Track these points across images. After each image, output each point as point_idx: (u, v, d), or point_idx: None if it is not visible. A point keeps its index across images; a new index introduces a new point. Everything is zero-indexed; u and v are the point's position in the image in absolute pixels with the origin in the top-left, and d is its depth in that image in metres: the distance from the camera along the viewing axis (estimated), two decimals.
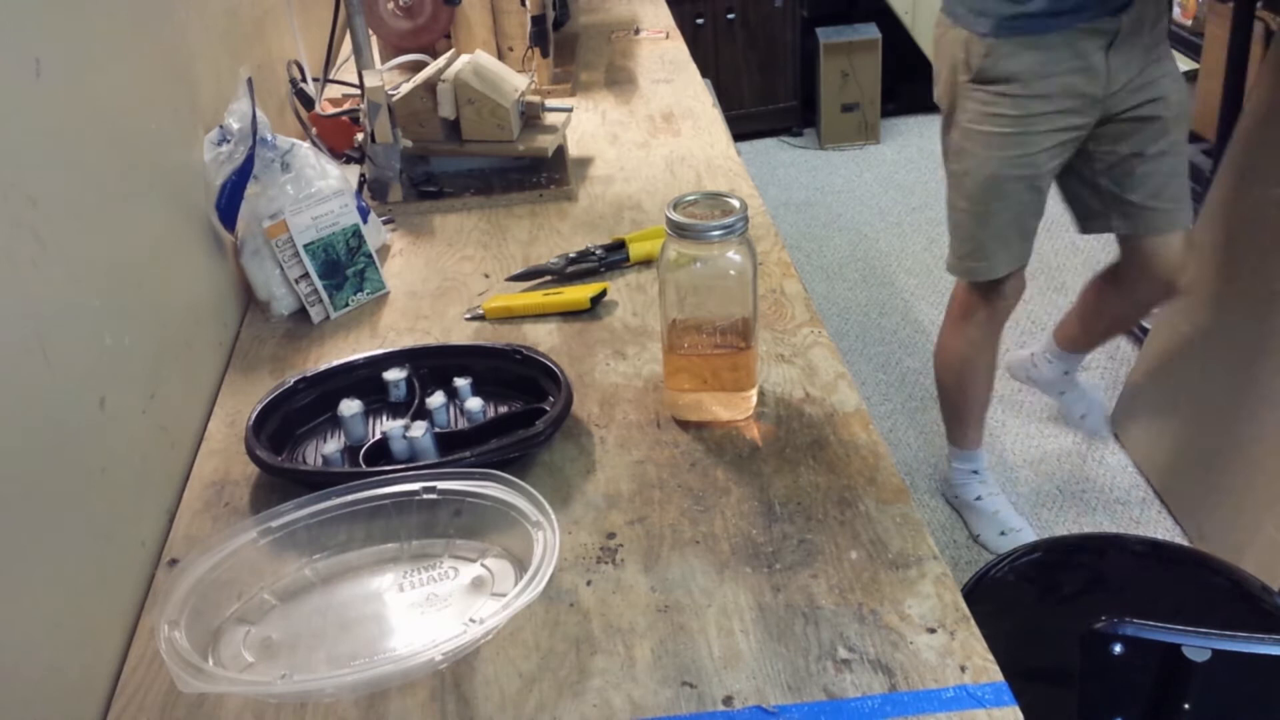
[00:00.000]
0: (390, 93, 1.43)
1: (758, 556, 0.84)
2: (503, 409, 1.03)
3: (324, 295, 1.22)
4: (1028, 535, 2.09)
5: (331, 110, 1.65)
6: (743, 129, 3.78)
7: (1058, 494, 2.25)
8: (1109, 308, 2.03)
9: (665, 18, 2.35)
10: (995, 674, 0.73)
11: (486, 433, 0.97)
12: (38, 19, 0.83)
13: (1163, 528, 2.15)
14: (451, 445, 0.96)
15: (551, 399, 1.00)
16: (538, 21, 1.74)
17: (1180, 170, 1.75)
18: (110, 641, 0.81)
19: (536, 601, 0.75)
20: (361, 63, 1.45)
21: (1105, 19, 1.57)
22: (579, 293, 1.20)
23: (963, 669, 0.74)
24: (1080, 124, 1.68)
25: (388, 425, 0.98)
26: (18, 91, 0.79)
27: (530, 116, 1.56)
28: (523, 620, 0.80)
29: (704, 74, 2.03)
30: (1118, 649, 0.91)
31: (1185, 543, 2.08)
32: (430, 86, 1.45)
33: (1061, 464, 2.33)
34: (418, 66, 1.69)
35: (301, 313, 1.23)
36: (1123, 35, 1.58)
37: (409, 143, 1.48)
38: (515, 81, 1.52)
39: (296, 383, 1.04)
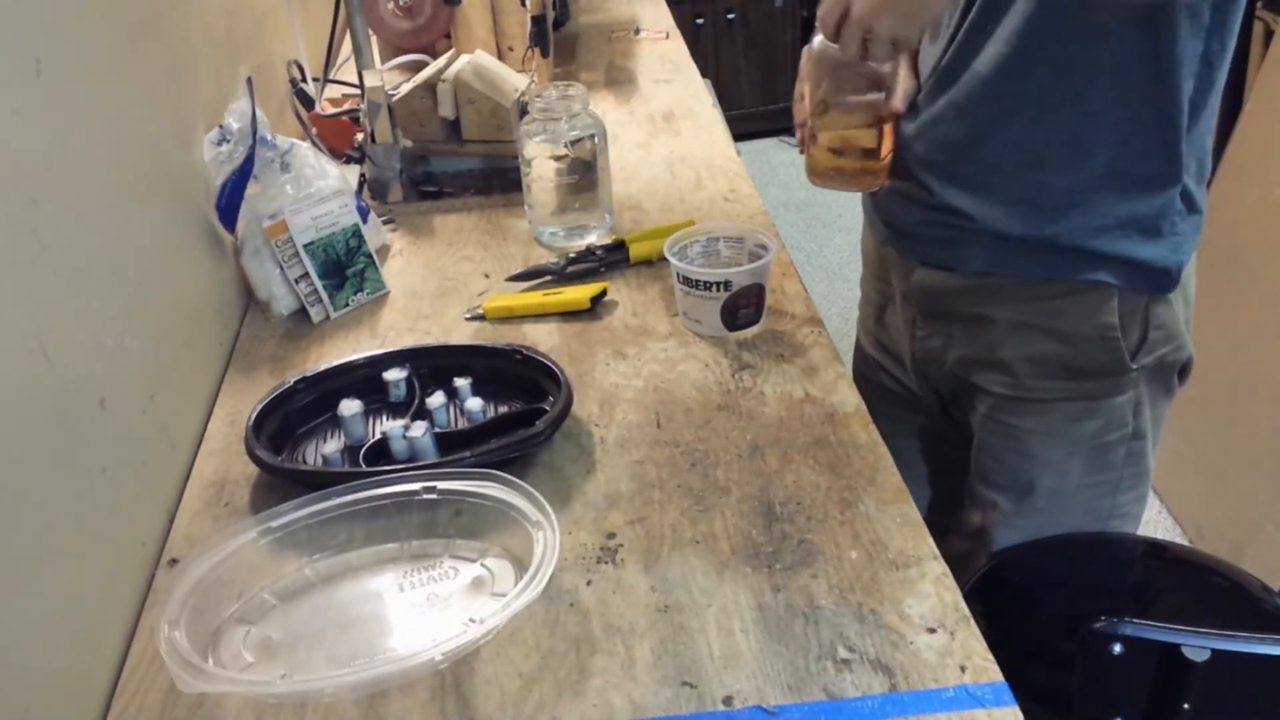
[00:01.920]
0: (390, 93, 1.43)
1: (758, 556, 0.84)
2: (503, 409, 1.03)
3: (324, 295, 1.22)
4: None
5: (331, 110, 1.65)
6: (743, 129, 3.77)
7: None
8: None
9: (665, 18, 2.35)
10: (995, 674, 0.73)
11: (486, 433, 0.97)
12: (38, 19, 0.83)
13: (1163, 528, 2.15)
14: (451, 445, 0.96)
15: (551, 399, 1.00)
16: (538, 21, 1.74)
17: None
18: (110, 641, 0.81)
19: (536, 601, 0.75)
20: (361, 63, 1.45)
21: None
22: (579, 293, 1.20)
23: (963, 669, 0.74)
24: None
25: (388, 425, 0.98)
26: (18, 91, 0.79)
27: None
28: (523, 620, 0.80)
29: (704, 74, 2.03)
30: (1118, 649, 0.91)
31: (1185, 543, 2.08)
32: (430, 86, 1.45)
33: None
34: (418, 66, 1.69)
35: (301, 313, 1.23)
36: None
37: (409, 143, 1.48)
38: (515, 81, 1.52)
39: (296, 383, 1.04)
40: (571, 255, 1.27)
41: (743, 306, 1.11)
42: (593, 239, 1.34)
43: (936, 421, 1.29)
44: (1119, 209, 0.99)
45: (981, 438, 1.18)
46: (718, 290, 1.09)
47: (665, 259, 1.13)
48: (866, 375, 1.35)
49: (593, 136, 1.31)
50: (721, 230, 1.18)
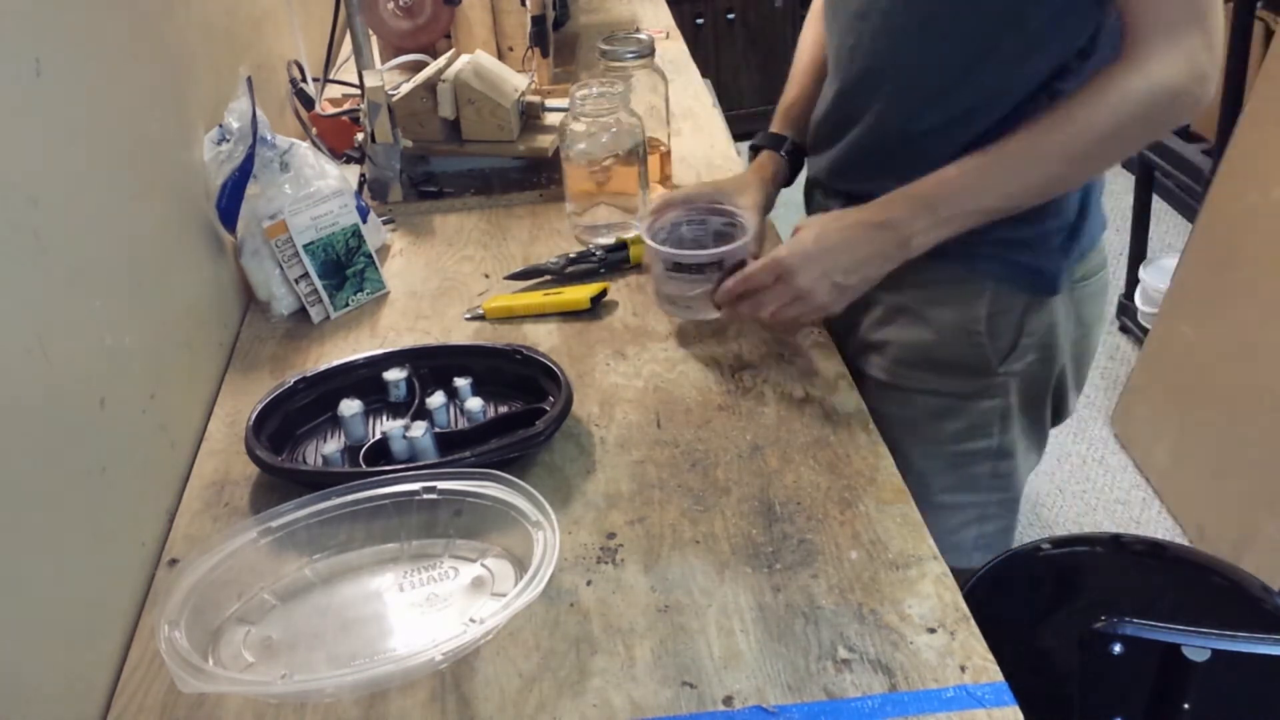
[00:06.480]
0: (390, 93, 1.43)
1: (758, 556, 0.84)
2: (503, 409, 1.03)
3: (324, 295, 1.22)
4: None
5: (331, 110, 1.65)
6: (743, 129, 3.76)
7: (1058, 494, 2.25)
8: None
9: (665, 18, 2.35)
10: (995, 674, 0.73)
11: (486, 433, 0.97)
12: (38, 19, 0.83)
13: (1163, 528, 2.15)
14: (451, 445, 0.96)
15: (551, 399, 1.00)
16: (538, 21, 1.74)
17: None
18: (110, 641, 0.81)
19: (536, 601, 0.75)
20: (361, 63, 1.45)
21: None
22: (579, 293, 1.20)
23: (963, 669, 0.74)
24: None
25: (388, 425, 0.98)
26: (18, 91, 0.79)
27: (530, 116, 1.55)
28: (523, 620, 0.80)
29: (704, 74, 2.03)
30: (1118, 649, 0.91)
31: (1185, 543, 2.08)
32: (430, 86, 1.45)
33: (1061, 464, 2.33)
34: (418, 66, 1.68)
35: (301, 313, 1.23)
36: None
37: (409, 143, 1.48)
38: (515, 81, 1.52)
39: (296, 383, 1.04)
40: (571, 255, 1.27)
41: None
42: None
43: None
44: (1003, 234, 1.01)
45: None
46: (710, 271, 1.07)
47: None
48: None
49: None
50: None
